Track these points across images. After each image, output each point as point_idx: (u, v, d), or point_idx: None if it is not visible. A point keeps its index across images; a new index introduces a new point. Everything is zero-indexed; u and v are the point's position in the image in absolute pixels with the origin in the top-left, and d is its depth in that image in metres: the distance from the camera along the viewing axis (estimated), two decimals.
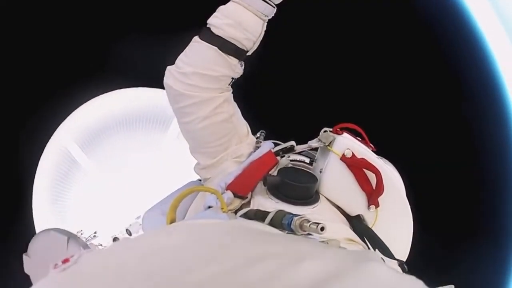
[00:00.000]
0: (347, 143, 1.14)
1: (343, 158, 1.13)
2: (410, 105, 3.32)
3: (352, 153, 1.13)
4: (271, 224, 0.85)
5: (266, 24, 1.17)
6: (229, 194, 1.04)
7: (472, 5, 3.34)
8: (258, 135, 1.32)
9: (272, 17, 1.18)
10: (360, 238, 1.07)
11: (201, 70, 1.13)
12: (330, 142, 1.15)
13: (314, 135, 1.18)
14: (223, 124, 1.19)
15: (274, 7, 1.15)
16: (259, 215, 0.91)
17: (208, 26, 1.15)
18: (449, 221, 3.40)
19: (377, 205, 1.16)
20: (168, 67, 1.18)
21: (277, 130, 1.34)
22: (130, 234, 2.35)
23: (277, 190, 1.08)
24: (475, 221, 3.46)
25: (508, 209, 3.50)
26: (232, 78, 1.19)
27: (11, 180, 2.54)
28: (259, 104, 2.46)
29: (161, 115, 2.56)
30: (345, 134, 1.15)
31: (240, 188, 1.07)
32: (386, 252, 1.05)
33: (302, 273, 0.50)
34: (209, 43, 1.13)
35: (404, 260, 1.21)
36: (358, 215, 1.18)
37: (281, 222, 0.83)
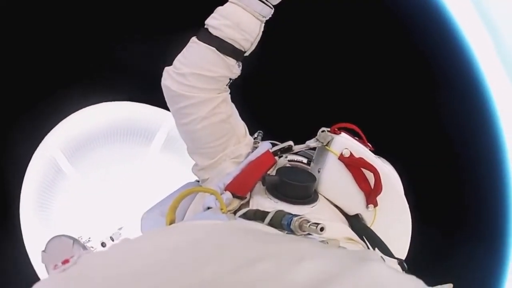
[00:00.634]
0: (345, 143, 1.14)
1: (341, 158, 1.14)
2: (409, 105, 3.33)
3: (350, 152, 1.13)
4: (271, 224, 0.85)
5: (263, 25, 1.17)
6: (228, 194, 1.04)
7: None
8: (255, 135, 1.32)
9: (270, 17, 1.18)
10: (359, 237, 1.07)
11: (199, 71, 1.13)
12: (328, 142, 1.15)
13: (312, 135, 1.19)
14: (221, 124, 1.19)
15: (272, 8, 1.16)
16: (258, 215, 0.91)
17: (206, 26, 1.15)
18: (446, 218, 3.42)
19: (375, 204, 1.16)
20: (166, 68, 1.18)
21: (274, 131, 1.34)
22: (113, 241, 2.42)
23: (276, 190, 1.08)
24: (469, 218, 3.49)
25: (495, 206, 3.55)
26: (230, 79, 1.19)
27: None
28: (256, 105, 2.47)
29: (145, 129, 2.65)
30: (343, 134, 1.15)
31: (239, 188, 1.07)
32: (386, 251, 1.06)
33: (301, 273, 0.50)
34: (207, 43, 1.13)
35: (403, 258, 1.22)
36: (357, 215, 1.18)
37: (280, 222, 0.83)
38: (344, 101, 3.16)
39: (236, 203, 1.05)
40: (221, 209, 0.95)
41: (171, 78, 1.15)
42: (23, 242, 2.55)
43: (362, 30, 3.24)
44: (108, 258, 0.62)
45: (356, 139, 1.17)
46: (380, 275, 0.51)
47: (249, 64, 1.23)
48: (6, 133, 2.56)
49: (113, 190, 2.60)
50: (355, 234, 1.07)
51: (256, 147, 1.21)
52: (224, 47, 1.13)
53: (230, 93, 1.23)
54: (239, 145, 1.24)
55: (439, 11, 3.35)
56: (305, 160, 1.32)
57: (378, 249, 1.07)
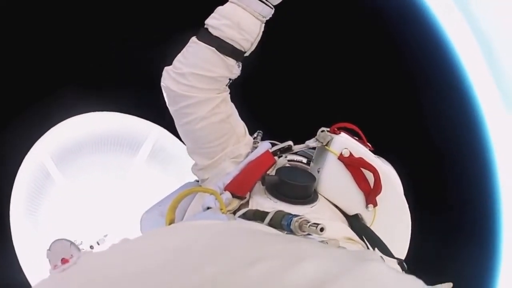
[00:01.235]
0: (345, 143, 1.14)
1: (341, 158, 1.14)
2: (409, 105, 3.34)
3: (350, 152, 1.13)
4: (270, 224, 0.85)
5: (264, 25, 1.17)
6: (227, 194, 1.04)
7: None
8: (255, 135, 1.32)
9: (270, 18, 1.18)
10: (359, 237, 1.07)
11: (199, 71, 1.12)
12: (328, 142, 1.15)
13: (312, 135, 1.19)
14: (220, 124, 1.19)
15: (272, 8, 1.15)
16: (258, 216, 0.91)
17: (205, 26, 1.15)
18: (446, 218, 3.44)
19: (375, 204, 1.16)
20: (166, 68, 1.17)
21: (274, 130, 1.34)
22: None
23: (276, 190, 1.08)
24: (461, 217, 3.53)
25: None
26: (230, 79, 1.19)
27: None
28: (256, 105, 2.47)
29: (132, 139, 2.72)
30: (343, 134, 1.16)
31: (239, 188, 1.07)
32: (385, 251, 1.06)
33: (301, 273, 0.50)
34: (207, 43, 1.13)
35: (403, 258, 1.22)
36: (357, 215, 1.18)
37: (280, 222, 0.83)
38: (344, 101, 3.16)
39: (236, 203, 1.05)
40: (221, 209, 0.95)
41: (171, 78, 1.15)
42: (13, 245, 2.57)
43: (362, 30, 3.24)
44: (108, 258, 0.62)
45: (355, 139, 1.17)
46: (380, 275, 0.51)
47: (249, 64, 1.23)
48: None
49: (99, 197, 2.67)
50: (354, 234, 1.07)
51: (256, 147, 1.21)
52: (224, 47, 1.12)
53: (230, 93, 1.23)
54: (239, 145, 1.24)
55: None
56: (304, 160, 1.32)
57: (378, 249, 1.07)
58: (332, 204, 1.18)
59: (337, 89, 3.25)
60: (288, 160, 1.29)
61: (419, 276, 0.54)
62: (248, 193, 1.09)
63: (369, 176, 1.14)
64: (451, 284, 0.72)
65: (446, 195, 3.50)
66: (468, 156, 3.55)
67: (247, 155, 1.20)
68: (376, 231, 1.13)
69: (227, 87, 1.21)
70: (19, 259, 2.52)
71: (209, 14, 1.16)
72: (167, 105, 1.21)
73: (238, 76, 1.21)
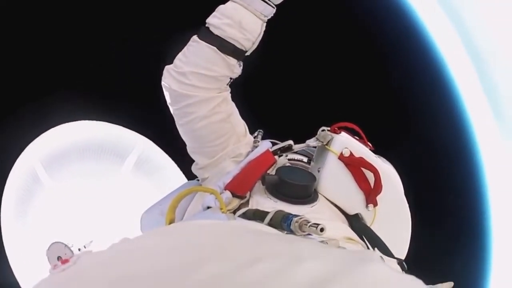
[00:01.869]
0: (345, 142, 1.14)
1: (341, 157, 1.14)
2: (408, 105, 3.34)
3: (350, 152, 1.13)
4: (270, 224, 0.85)
5: (265, 24, 1.17)
6: (227, 194, 1.04)
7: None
8: (255, 134, 1.31)
9: (272, 17, 1.17)
10: (359, 237, 1.07)
11: (200, 70, 1.12)
12: (328, 141, 1.15)
13: (312, 134, 1.19)
14: (221, 123, 1.19)
15: (274, 8, 1.15)
16: (258, 215, 0.91)
17: (207, 25, 1.14)
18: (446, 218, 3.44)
19: (375, 204, 1.16)
20: (166, 67, 1.17)
21: (275, 130, 1.34)
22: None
23: (276, 189, 1.08)
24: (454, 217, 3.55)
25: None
26: (231, 78, 1.19)
27: None
28: (257, 104, 2.47)
29: (119, 148, 2.80)
30: (343, 133, 1.15)
31: (239, 187, 1.07)
32: (385, 251, 1.06)
33: (301, 273, 0.50)
34: (208, 42, 1.12)
35: (403, 258, 1.22)
36: (357, 214, 1.18)
37: (280, 222, 0.83)
38: (344, 101, 3.16)
39: (236, 202, 1.05)
40: (221, 208, 0.95)
41: (171, 77, 1.14)
42: (3, 247, 2.60)
43: (362, 30, 3.24)
44: (108, 258, 0.62)
45: (356, 139, 1.17)
46: (380, 275, 0.51)
47: (250, 63, 1.23)
48: None
49: (86, 202, 2.75)
50: (355, 234, 1.07)
51: (256, 146, 1.21)
52: (225, 47, 1.12)
53: (230, 92, 1.23)
54: (239, 144, 1.24)
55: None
56: (305, 159, 1.31)
57: (378, 249, 1.07)
58: (332, 203, 1.18)
59: (338, 88, 3.25)
60: (289, 159, 1.29)
61: (419, 276, 0.54)
62: (248, 192, 1.09)
63: (370, 175, 1.14)
64: (451, 284, 0.72)
65: (446, 195, 3.50)
66: (457, 157, 3.60)
67: (247, 154, 1.19)
68: (376, 231, 1.13)
69: (228, 86, 1.20)
70: (9, 261, 2.56)
71: (210, 14, 1.15)
72: (168, 105, 1.20)
73: (239, 76, 1.20)
